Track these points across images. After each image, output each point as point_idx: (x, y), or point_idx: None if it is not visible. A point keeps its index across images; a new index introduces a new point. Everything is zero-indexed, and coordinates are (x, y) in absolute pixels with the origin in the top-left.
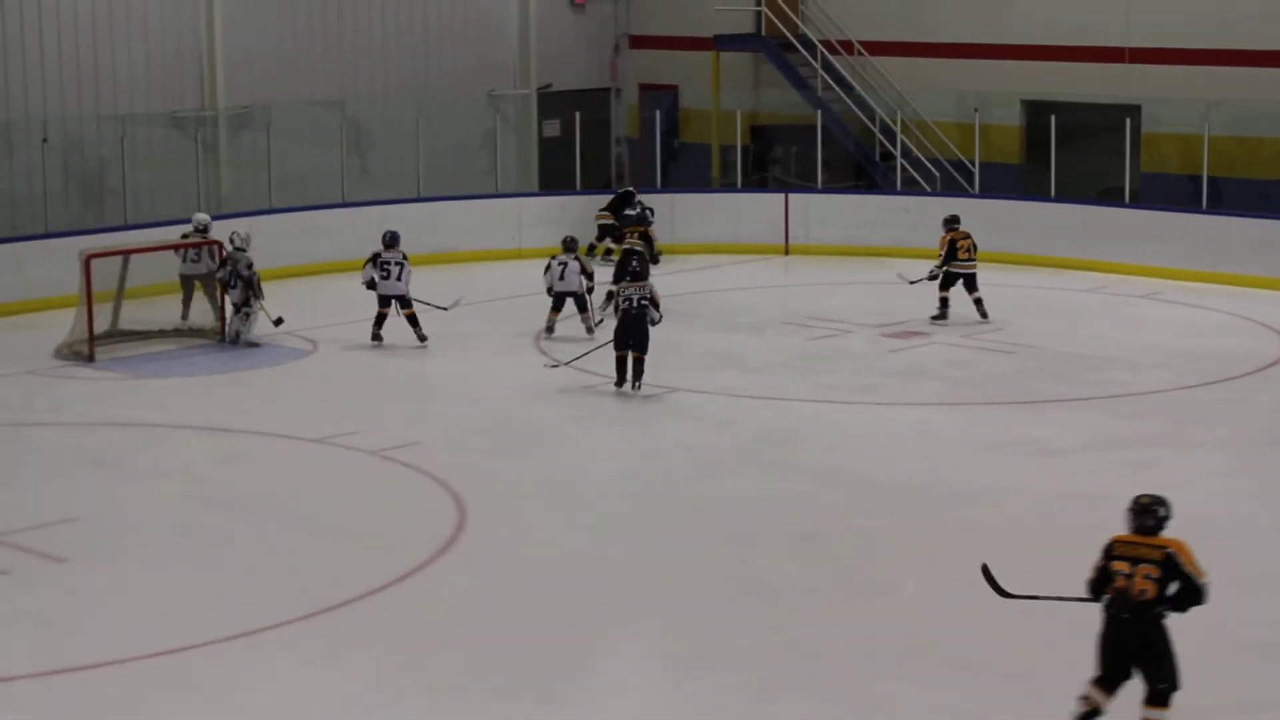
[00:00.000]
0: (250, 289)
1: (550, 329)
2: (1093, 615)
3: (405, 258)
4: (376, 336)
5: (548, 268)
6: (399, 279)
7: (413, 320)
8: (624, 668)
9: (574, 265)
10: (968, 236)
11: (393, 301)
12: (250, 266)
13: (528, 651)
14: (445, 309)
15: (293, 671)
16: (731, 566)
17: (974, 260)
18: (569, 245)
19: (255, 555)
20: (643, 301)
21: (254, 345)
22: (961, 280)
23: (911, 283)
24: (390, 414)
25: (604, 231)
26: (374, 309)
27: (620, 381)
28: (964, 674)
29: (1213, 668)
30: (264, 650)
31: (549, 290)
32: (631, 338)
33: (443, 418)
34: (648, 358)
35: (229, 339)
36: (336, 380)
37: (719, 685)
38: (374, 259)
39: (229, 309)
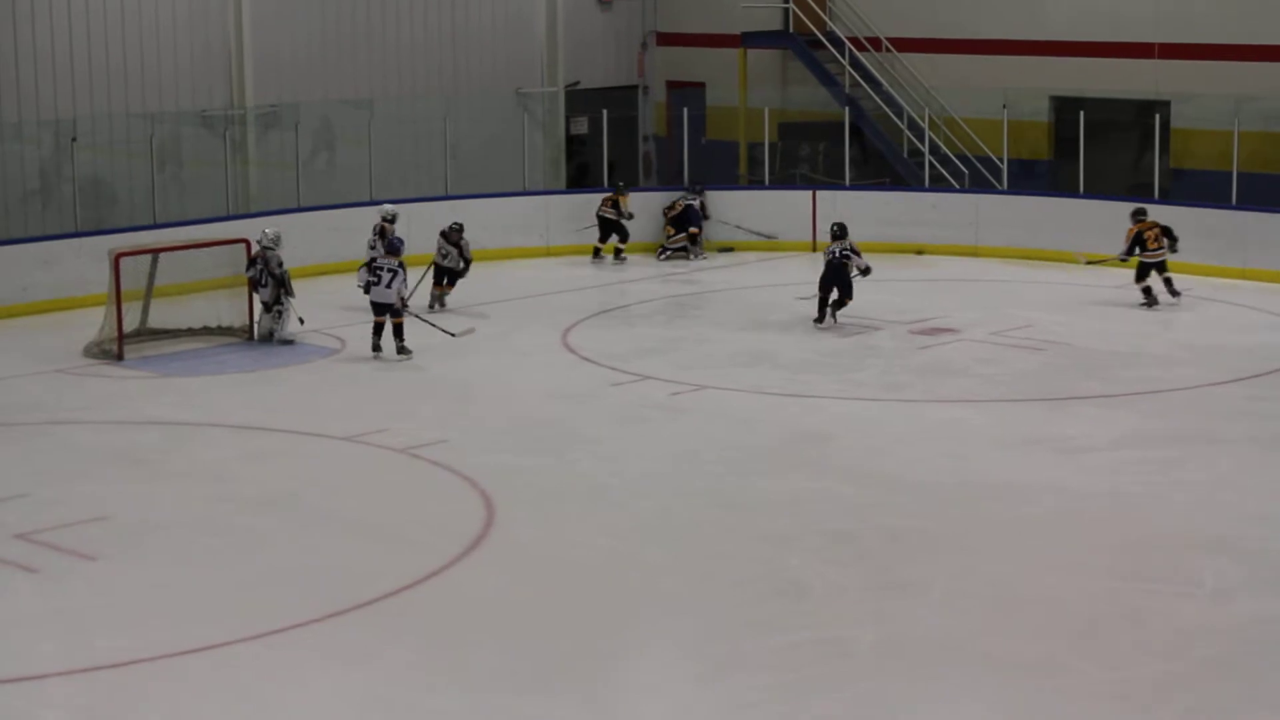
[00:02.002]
0: (282, 286)
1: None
2: (1123, 612)
3: (402, 265)
4: (376, 348)
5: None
6: (388, 286)
7: (398, 330)
8: (655, 668)
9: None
10: (1154, 226)
11: (386, 310)
12: (281, 264)
13: (559, 651)
14: (454, 335)
15: (324, 670)
16: (763, 566)
17: (1163, 249)
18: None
19: (285, 554)
20: (844, 253)
21: (288, 343)
22: (1154, 267)
23: (1088, 263)
24: (419, 412)
25: (605, 226)
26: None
27: (819, 319)
28: (994, 673)
29: (1238, 665)
30: (295, 649)
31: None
32: (835, 283)
33: (472, 416)
34: (851, 301)
35: (259, 337)
36: (365, 378)
37: (750, 685)
38: (369, 263)
39: (258, 307)
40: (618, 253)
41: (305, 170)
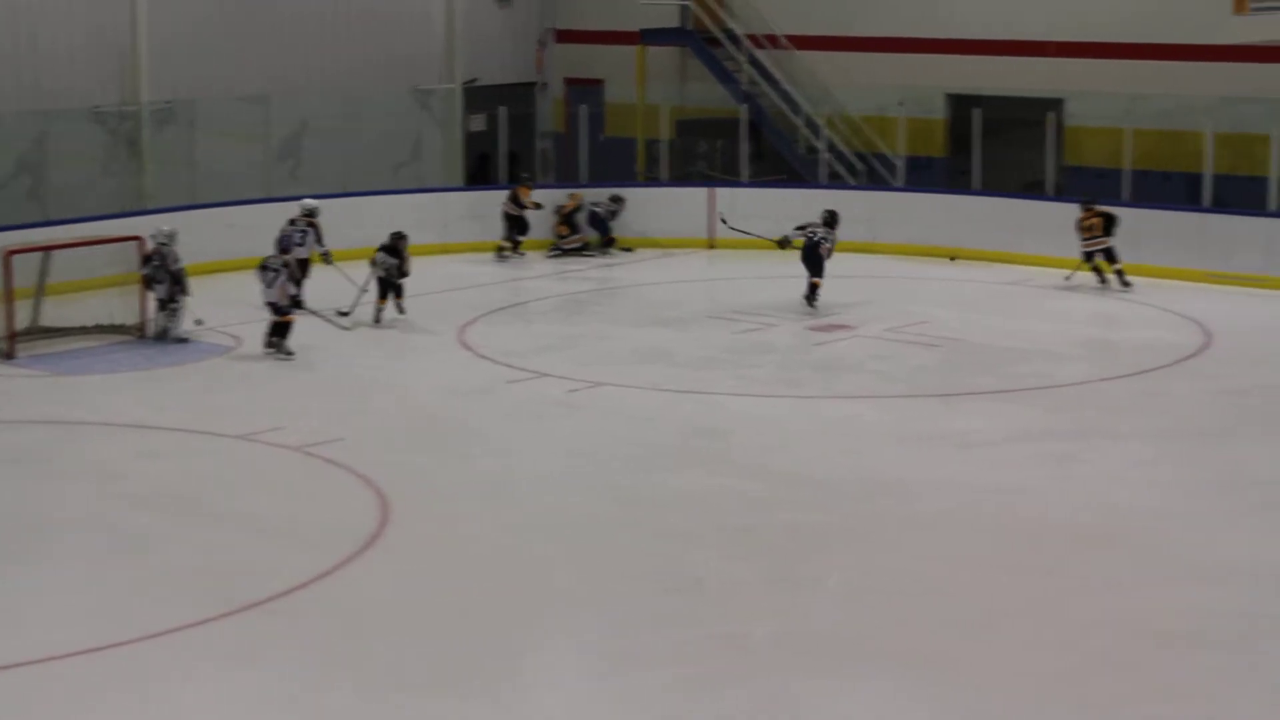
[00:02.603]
0: (178, 284)
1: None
2: (1018, 605)
3: (286, 265)
4: (268, 345)
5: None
6: (271, 286)
7: (283, 329)
8: (554, 664)
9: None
10: (1097, 215)
11: (276, 309)
12: (178, 261)
13: (457, 649)
14: (347, 329)
15: (216, 670)
16: (661, 562)
17: (1099, 237)
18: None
19: (177, 553)
20: (820, 237)
21: (182, 341)
22: (1098, 254)
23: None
24: (314, 410)
25: (511, 223)
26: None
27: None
28: (891, 666)
29: (1130, 657)
30: (187, 649)
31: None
32: (808, 264)
33: (367, 414)
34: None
35: (153, 335)
36: (259, 376)
37: (649, 681)
38: (261, 265)
39: (151, 305)
40: (515, 245)
41: (200, 167)
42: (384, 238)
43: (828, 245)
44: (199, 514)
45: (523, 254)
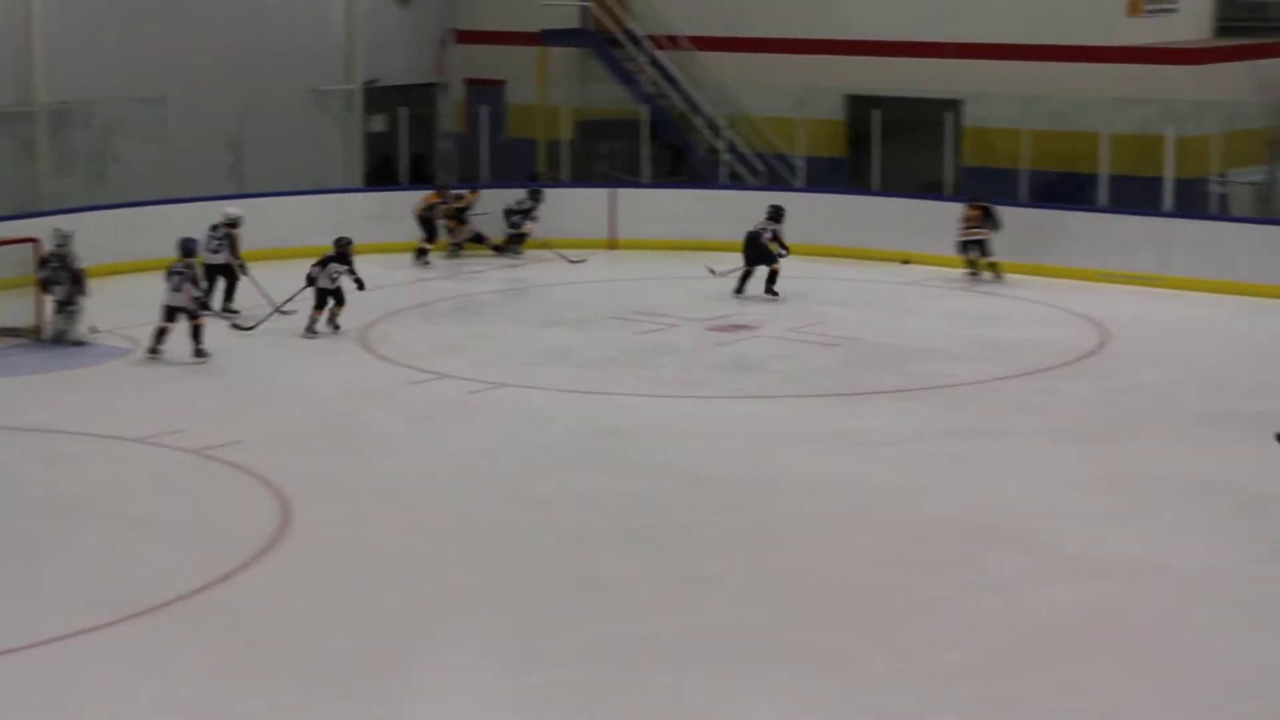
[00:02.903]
0: (77, 285)
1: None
2: (915, 602)
3: (190, 268)
4: (153, 350)
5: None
6: (177, 290)
7: (195, 333)
8: (455, 666)
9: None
10: (977, 209)
11: (177, 314)
12: (78, 262)
13: (358, 651)
14: (247, 329)
15: (118, 675)
16: (561, 562)
17: (978, 229)
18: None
19: (76, 558)
20: (760, 228)
21: (79, 344)
22: (972, 245)
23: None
24: (214, 413)
25: (426, 226)
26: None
27: (738, 289)
28: (790, 665)
29: (1024, 653)
30: (86, 655)
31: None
32: (753, 257)
33: (268, 416)
34: (777, 269)
35: (51, 338)
36: (159, 379)
37: (550, 681)
38: (168, 269)
39: (49, 308)
40: (421, 252)
41: (97, 168)
42: (283, 239)
43: (768, 235)
44: (97, 518)
45: (428, 262)
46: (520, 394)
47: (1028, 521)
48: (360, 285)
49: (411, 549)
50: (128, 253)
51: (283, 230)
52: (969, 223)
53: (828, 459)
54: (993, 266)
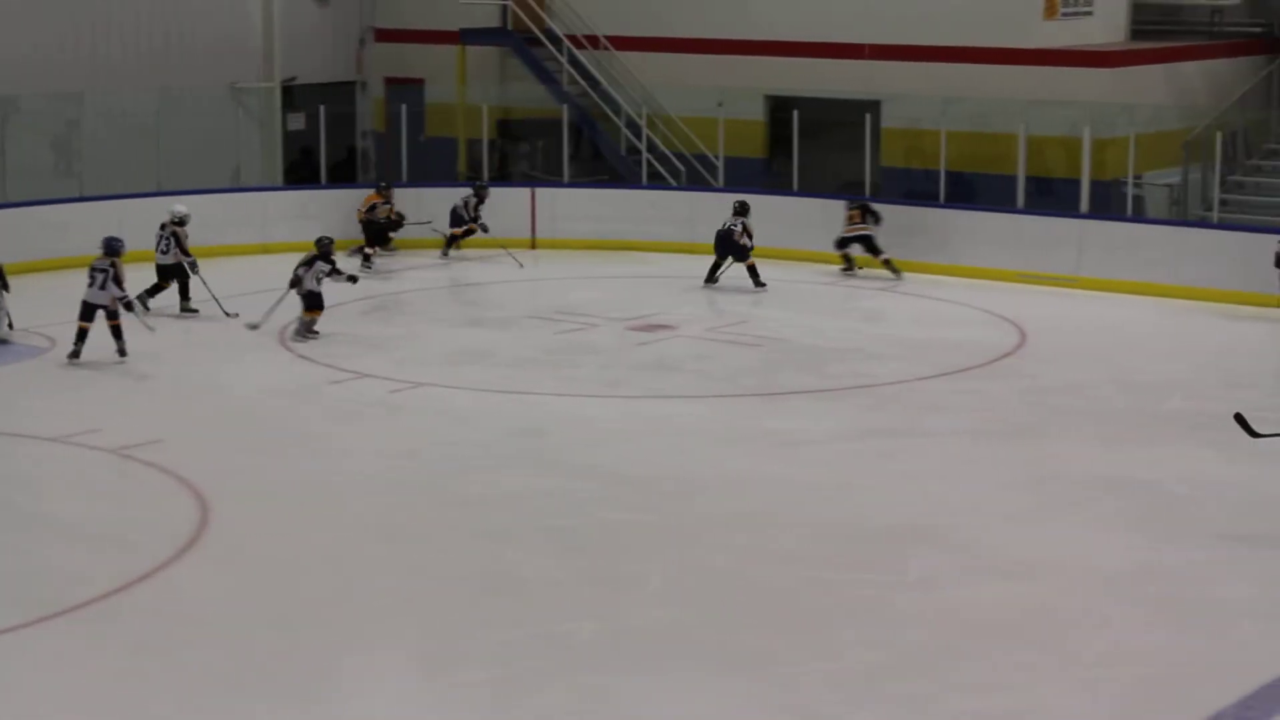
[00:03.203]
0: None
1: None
2: (837, 602)
3: (113, 265)
4: (74, 354)
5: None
6: (102, 288)
7: (116, 332)
8: (375, 666)
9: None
10: (857, 206)
11: (96, 312)
12: None
13: (276, 651)
14: (152, 329)
15: (33, 676)
16: (483, 562)
17: (861, 224)
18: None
19: None
20: (730, 225)
21: (1, 342)
22: (854, 242)
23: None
24: (132, 412)
25: (369, 230)
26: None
27: (709, 279)
28: (712, 665)
29: (945, 652)
30: (2, 655)
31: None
32: (725, 250)
33: (187, 415)
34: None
35: None
36: (76, 378)
37: (471, 681)
38: (90, 266)
39: None
40: (365, 256)
41: (13, 166)
42: (201, 237)
43: (738, 230)
44: (11, 518)
45: (371, 265)
46: (442, 394)
47: (949, 521)
48: (353, 280)
49: (332, 549)
50: (40, 251)
51: (200, 229)
52: (850, 221)
53: (750, 459)
54: (888, 264)
